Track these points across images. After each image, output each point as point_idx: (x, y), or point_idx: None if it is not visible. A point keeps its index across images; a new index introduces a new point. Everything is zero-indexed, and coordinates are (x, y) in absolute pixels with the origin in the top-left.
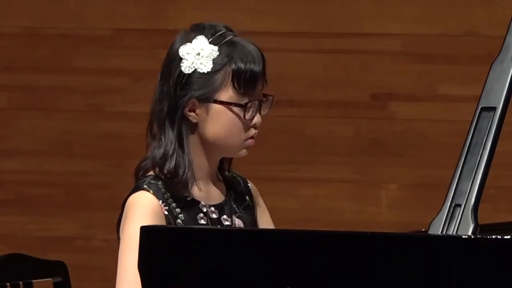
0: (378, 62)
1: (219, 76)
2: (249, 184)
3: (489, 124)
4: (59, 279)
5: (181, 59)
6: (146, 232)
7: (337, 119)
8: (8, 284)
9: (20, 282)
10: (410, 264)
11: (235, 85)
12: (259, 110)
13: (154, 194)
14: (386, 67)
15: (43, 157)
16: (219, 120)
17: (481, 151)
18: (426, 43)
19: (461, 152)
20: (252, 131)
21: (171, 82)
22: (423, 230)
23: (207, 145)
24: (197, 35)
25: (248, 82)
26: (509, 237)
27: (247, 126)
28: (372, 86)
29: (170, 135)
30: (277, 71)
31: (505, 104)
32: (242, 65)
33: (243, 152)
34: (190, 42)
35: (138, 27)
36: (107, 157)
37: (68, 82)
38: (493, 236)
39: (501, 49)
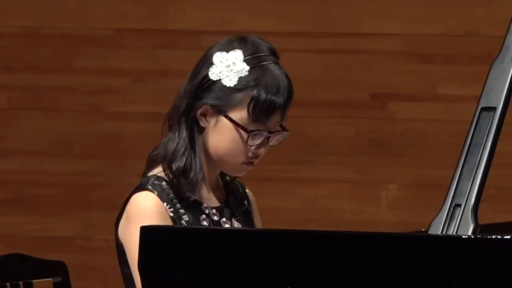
0: (378, 62)
1: (238, 95)
2: (247, 190)
3: (489, 124)
4: (59, 279)
5: (212, 64)
6: (146, 232)
7: (337, 119)
8: (8, 284)
9: (20, 282)
10: (410, 264)
11: (250, 110)
12: (266, 140)
13: (158, 195)
14: (386, 67)
15: (43, 157)
16: (223, 135)
17: (481, 151)
18: (426, 43)
19: (461, 152)
20: (252, 158)
21: (195, 82)
22: (423, 230)
23: (207, 153)
24: (237, 48)
25: (263, 112)
26: (509, 237)
27: (248, 151)
28: (372, 86)
29: (183, 134)
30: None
31: (505, 104)
32: (264, 95)
33: (238, 173)
34: (227, 52)
35: (138, 27)
36: (107, 157)
37: (68, 82)
38: (493, 236)
39: (501, 49)
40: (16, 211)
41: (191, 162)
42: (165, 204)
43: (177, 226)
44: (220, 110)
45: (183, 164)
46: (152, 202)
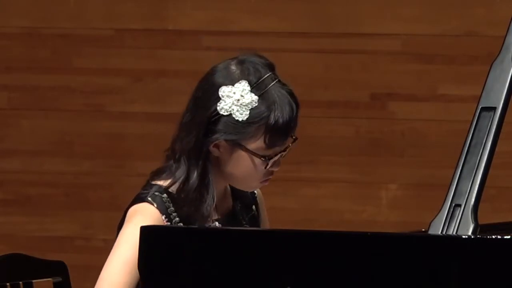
0: (378, 62)
1: (253, 128)
2: (255, 191)
3: (489, 124)
4: (59, 279)
5: (219, 98)
6: (146, 232)
7: (337, 119)
8: (8, 284)
9: (20, 282)
10: (410, 264)
11: (267, 139)
12: (281, 157)
13: (158, 208)
14: (386, 67)
15: (43, 157)
16: (241, 165)
17: (481, 151)
18: (426, 43)
19: (461, 152)
20: (269, 175)
21: (204, 115)
22: (423, 230)
23: (223, 177)
24: (241, 79)
25: (280, 136)
26: (509, 237)
27: (265, 172)
28: (372, 86)
29: (195, 171)
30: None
31: (505, 104)
32: (280, 120)
33: (254, 189)
34: (233, 84)
35: (138, 27)
36: (107, 157)
37: (68, 82)
38: (493, 236)
39: (501, 49)
40: (16, 211)
41: (205, 200)
42: (163, 217)
43: (177, 226)
44: (236, 144)
45: (195, 200)
46: (150, 213)
